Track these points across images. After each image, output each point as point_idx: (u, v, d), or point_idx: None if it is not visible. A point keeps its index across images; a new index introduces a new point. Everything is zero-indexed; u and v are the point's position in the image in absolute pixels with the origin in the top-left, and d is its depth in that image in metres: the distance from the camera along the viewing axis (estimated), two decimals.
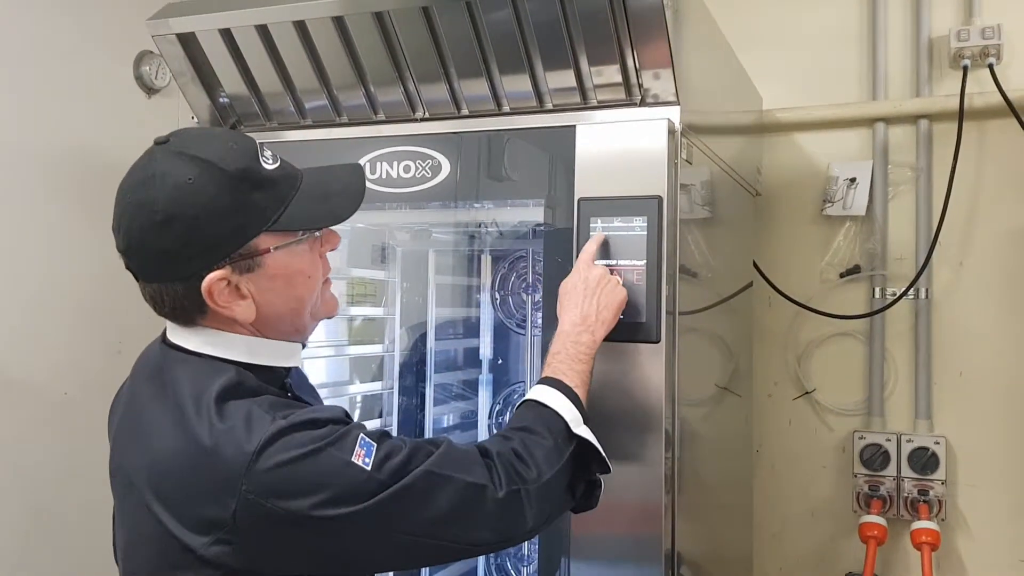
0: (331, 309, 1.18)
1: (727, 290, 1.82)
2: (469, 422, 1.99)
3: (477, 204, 1.50)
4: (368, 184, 1.47)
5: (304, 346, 1.18)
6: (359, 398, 1.88)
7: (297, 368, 1.20)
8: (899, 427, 2.10)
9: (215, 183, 1.00)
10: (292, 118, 1.59)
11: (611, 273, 1.29)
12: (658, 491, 1.29)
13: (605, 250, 1.32)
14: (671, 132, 1.31)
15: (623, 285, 1.29)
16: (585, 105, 1.41)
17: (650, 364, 1.29)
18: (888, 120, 2.14)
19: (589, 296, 1.25)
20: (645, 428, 1.30)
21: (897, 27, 2.16)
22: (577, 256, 1.31)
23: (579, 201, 1.34)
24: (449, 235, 1.91)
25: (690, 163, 1.40)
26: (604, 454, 1.16)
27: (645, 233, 1.30)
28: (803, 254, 2.21)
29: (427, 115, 1.51)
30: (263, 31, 1.48)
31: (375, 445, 0.98)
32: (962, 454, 2.05)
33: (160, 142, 1.03)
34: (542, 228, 1.45)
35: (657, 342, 1.28)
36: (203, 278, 1.00)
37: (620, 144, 1.33)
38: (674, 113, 1.34)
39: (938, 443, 2.02)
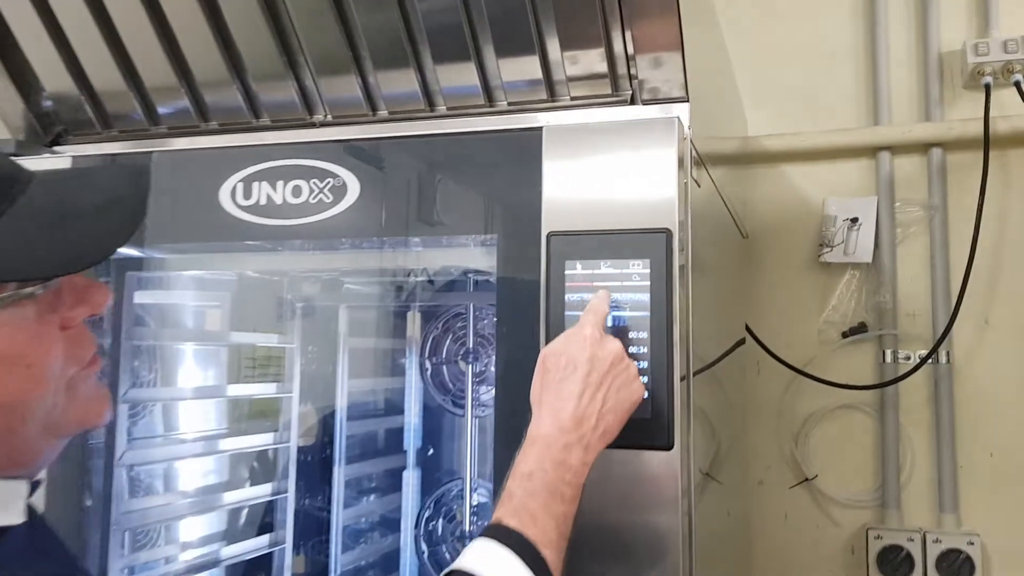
0: (93, 413, 0.69)
1: (713, 353, 1.43)
2: (390, 531, 1.53)
3: (399, 243, 1.07)
4: (237, 212, 1.04)
5: (35, 486, 0.66)
6: (245, 510, 1.40)
7: (27, 525, 0.64)
8: (919, 522, 1.71)
9: None
10: (139, 124, 1.13)
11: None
12: None
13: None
14: (682, 139, 0.91)
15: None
16: (554, 103, 1.00)
17: (658, 477, 0.87)
18: (894, 149, 1.79)
19: (593, 386, 0.80)
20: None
21: (901, 41, 1.83)
22: (563, 322, 0.89)
23: (548, 237, 0.92)
24: (364, 286, 1.48)
25: (699, 185, 1.00)
26: None
27: (648, 283, 0.88)
28: (797, 309, 1.83)
29: (329, 118, 1.07)
30: None
31: None
32: (997, 554, 1.67)
33: None
34: (487, 278, 1.03)
35: (670, 448, 0.86)
36: None
37: (608, 155, 0.91)
38: (683, 112, 0.94)
39: (971, 543, 1.64)
